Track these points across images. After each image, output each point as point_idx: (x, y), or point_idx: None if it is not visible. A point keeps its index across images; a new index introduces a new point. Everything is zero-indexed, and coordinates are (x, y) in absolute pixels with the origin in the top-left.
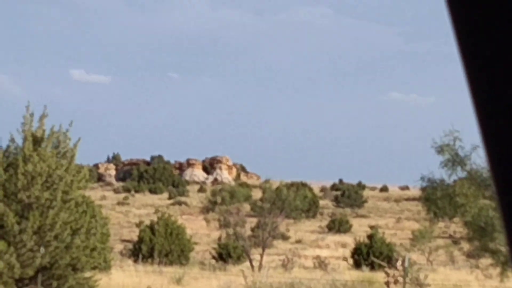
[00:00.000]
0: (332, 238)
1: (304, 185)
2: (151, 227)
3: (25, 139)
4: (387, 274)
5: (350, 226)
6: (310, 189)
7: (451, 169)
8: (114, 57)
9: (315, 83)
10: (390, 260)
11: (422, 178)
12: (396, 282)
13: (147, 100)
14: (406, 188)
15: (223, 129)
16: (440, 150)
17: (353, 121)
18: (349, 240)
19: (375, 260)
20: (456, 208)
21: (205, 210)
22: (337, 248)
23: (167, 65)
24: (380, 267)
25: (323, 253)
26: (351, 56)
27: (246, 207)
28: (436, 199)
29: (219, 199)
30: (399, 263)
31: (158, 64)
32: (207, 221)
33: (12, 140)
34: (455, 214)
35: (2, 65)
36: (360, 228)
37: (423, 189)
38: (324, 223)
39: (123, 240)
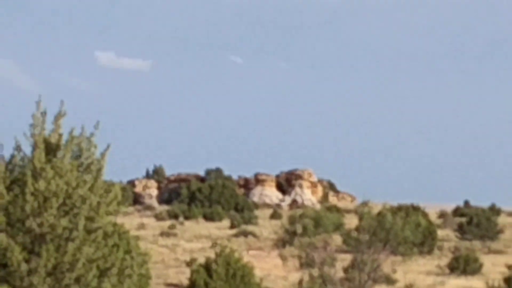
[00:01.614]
0: (456, 282)
1: (416, 209)
2: (207, 267)
3: (35, 146)
4: None
5: (481, 265)
6: (425, 215)
7: None
8: (155, 35)
9: (432, 69)
10: None
11: None
12: None
13: (200, 93)
14: None
15: (305, 132)
16: None
17: (486, 118)
18: (479, 284)
19: None
20: None
21: (280, 243)
22: None
23: (228, 45)
24: None
25: None
26: (484, 29)
27: (337, 239)
28: None
29: (299, 229)
30: None
31: (216, 44)
32: (283, 258)
33: (18, 148)
34: None
35: (4, 47)
36: (494, 268)
37: None
38: (444, 261)
39: (169, 284)
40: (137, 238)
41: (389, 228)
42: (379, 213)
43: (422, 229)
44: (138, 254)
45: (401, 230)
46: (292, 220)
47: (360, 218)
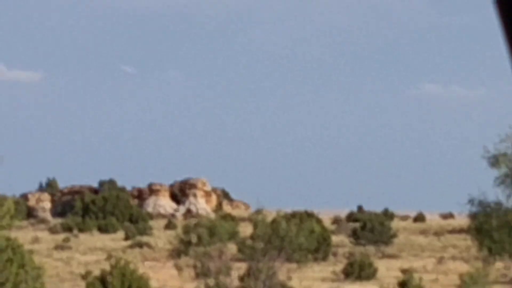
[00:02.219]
0: (351, 287)
1: (310, 215)
2: (102, 279)
3: None
4: None
5: (375, 270)
6: (319, 221)
7: (510, 187)
8: (45, 47)
9: (320, 74)
10: None
11: (471, 201)
12: None
13: (92, 103)
14: (449, 216)
15: (197, 141)
16: (495, 161)
17: (375, 124)
18: None
19: None
20: None
21: (175, 253)
22: None
23: (119, 56)
24: None
25: None
26: (369, 35)
27: (232, 247)
28: (491, 230)
29: (194, 238)
30: None
31: (107, 54)
32: (179, 268)
33: None
34: None
35: None
36: (388, 273)
37: (472, 216)
38: (339, 267)
39: None
40: (31, 252)
41: (283, 235)
42: (273, 221)
43: (316, 235)
44: (32, 268)
45: (295, 236)
46: (186, 230)
47: (255, 226)
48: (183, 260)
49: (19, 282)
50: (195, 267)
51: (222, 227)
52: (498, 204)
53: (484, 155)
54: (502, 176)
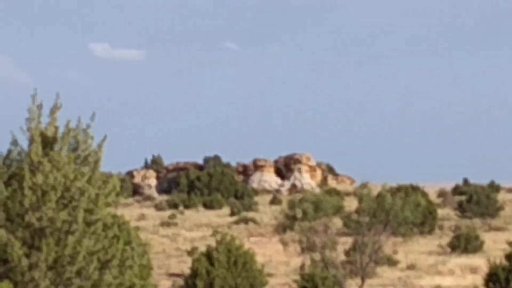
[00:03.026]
0: (457, 260)
1: (415, 189)
2: (208, 255)
3: (31, 140)
4: None
5: (482, 243)
6: (424, 194)
7: None
8: (148, 25)
9: (429, 48)
10: None
11: None
12: None
13: (195, 81)
14: None
15: (302, 117)
16: None
17: (481, 96)
18: (481, 262)
19: None
20: None
21: (281, 228)
22: (464, 275)
23: (222, 32)
24: None
25: (446, 281)
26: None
27: (337, 222)
28: None
29: (299, 213)
30: None
31: (210, 31)
32: (284, 243)
33: (15, 142)
34: None
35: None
36: (495, 246)
37: None
38: (445, 240)
39: (171, 274)
40: (137, 228)
41: (388, 209)
42: (379, 195)
43: (422, 209)
44: (138, 245)
45: (401, 210)
46: (291, 205)
47: (360, 200)
48: (288, 235)
49: (126, 258)
50: (300, 242)
51: (327, 202)
52: None
53: None
54: None
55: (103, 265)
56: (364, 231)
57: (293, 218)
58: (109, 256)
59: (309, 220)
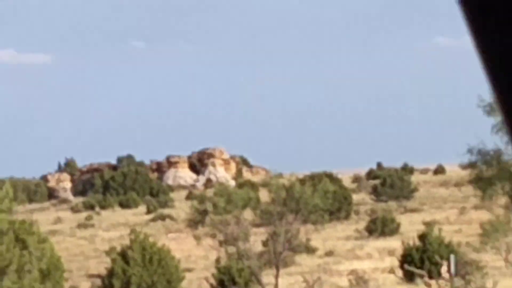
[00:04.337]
0: (375, 244)
1: (328, 176)
2: (123, 254)
3: None
4: (428, 286)
5: (398, 225)
6: (337, 181)
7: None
8: (54, 28)
9: (331, 38)
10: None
11: (470, 151)
12: None
13: (104, 81)
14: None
15: (212, 111)
16: (490, 109)
17: (387, 81)
18: (398, 244)
19: (410, 268)
20: None
21: (193, 223)
22: (382, 257)
23: (128, 31)
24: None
25: (365, 265)
26: None
27: (249, 214)
28: (492, 178)
29: (209, 207)
30: (444, 268)
31: (116, 31)
32: (197, 238)
33: None
34: None
35: None
36: (411, 227)
37: (472, 165)
38: (362, 224)
39: (91, 276)
40: (32, 233)
41: (298, 197)
42: (288, 184)
43: (336, 195)
44: (35, 249)
45: (310, 198)
46: (201, 199)
47: (269, 191)
48: (202, 230)
49: (23, 264)
50: (212, 235)
51: (236, 194)
52: (497, 151)
53: (479, 103)
54: (499, 124)
55: (1, 271)
56: (275, 221)
57: (204, 213)
58: (7, 262)
59: (220, 214)
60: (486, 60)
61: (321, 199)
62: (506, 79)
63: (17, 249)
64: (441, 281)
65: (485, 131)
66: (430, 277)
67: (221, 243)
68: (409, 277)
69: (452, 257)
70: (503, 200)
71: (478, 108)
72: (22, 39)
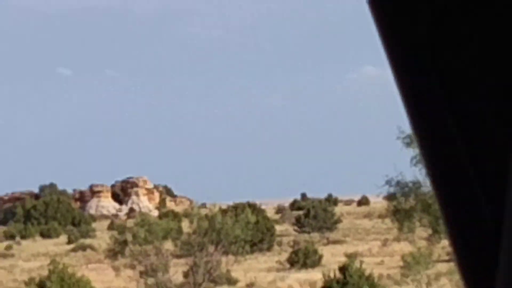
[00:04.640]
0: (296, 275)
1: (252, 206)
2: (42, 285)
3: None
4: None
5: (320, 257)
6: (261, 211)
7: None
8: None
9: (260, 64)
10: None
11: (388, 182)
12: None
13: (28, 108)
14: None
15: (135, 140)
16: (410, 141)
17: (312, 112)
18: (319, 276)
19: None
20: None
21: (112, 254)
22: None
23: (54, 58)
24: None
25: None
26: (301, 22)
27: (171, 245)
28: (410, 210)
29: (129, 237)
30: None
31: (41, 57)
32: (116, 269)
33: None
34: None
35: None
36: (333, 259)
37: (390, 197)
38: (285, 256)
39: None
40: None
41: (219, 228)
42: (209, 215)
43: (258, 226)
44: None
45: (231, 229)
46: (121, 230)
47: (191, 221)
48: (123, 261)
49: None
50: (132, 266)
51: (157, 225)
52: (416, 183)
53: (399, 135)
54: (418, 156)
55: None
56: (195, 252)
57: (124, 243)
58: None
59: (140, 244)
60: (402, 89)
61: (242, 230)
62: (420, 109)
63: None
64: None
65: (404, 163)
66: None
67: (141, 274)
68: None
69: None
70: (422, 232)
71: (397, 140)
72: None
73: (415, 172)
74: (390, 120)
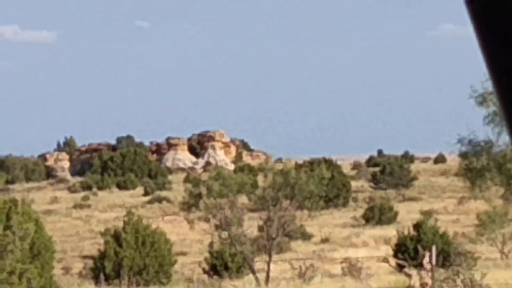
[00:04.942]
0: (371, 232)
1: (328, 162)
2: (116, 236)
3: None
4: (409, 277)
5: (395, 214)
6: (337, 167)
7: (499, 125)
8: (58, 5)
9: (336, 22)
10: (446, 257)
11: (460, 141)
12: (424, 286)
13: (106, 61)
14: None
15: (214, 93)
16: (482, 100)
17: (391, 68)
18: (394, 233)
19: (387, 259)
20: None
21: (187, 206)
22: (378, 246)
23: (131, 11)
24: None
25: (360, 253)
26: None
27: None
28: (482, 169)
29: (204, 191)
30: (425, 259)
31: (120, 10)
32: (190, 222)
33: None
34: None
35: None
36: (408, 216)
37: (463, 155)
38: (360, 212)
39: (84, 257)
40: (15, 212)
41: (293, 183)
42: (282, 170)
43: (334, 182)
44: (19, 228)
45: (305, 184)
46: (196, 183)
47: (265, 176)
48: (197, 214)
49: (6, 243)
50: (206, 219)
51: (231, 178)
52: (488, 142)
53: (471, 94)
54: (491, 115)
55: None
56: (269, 206)
57: (199, 196)
58: None
59: (214, 198)
60: (487, 52)
61: (316, 185)
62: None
63: (0, 229)
64: (423, 272)
65: (477, 122)
66: (422, 267)
67: (216, 227)
68: (402, 267)
69: (433, 248)
70: (493, 190)
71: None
72: (26, 15)
73: (487, 131)
74: (468, 77)
